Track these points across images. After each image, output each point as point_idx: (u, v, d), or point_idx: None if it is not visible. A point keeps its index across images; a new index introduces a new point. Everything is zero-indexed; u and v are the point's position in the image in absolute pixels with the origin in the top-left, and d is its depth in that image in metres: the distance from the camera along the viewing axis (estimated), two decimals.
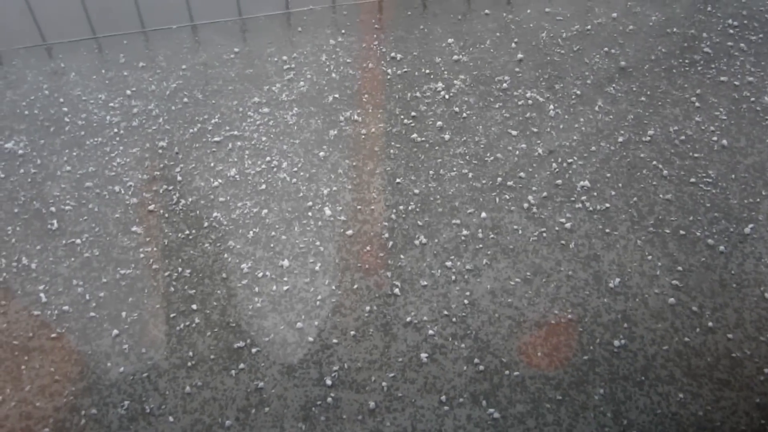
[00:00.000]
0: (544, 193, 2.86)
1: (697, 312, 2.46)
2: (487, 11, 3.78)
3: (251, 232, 2.75)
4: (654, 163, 2.97)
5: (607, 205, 2.82)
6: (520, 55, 3.49)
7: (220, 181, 2.93)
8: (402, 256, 2.66)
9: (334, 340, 2.42)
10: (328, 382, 2.31)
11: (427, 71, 3.42)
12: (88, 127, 3.15)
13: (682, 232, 2.71)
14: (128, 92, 3.31)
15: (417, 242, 2.70)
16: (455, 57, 3.49)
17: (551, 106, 3.22)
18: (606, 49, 3.54)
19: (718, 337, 2.40)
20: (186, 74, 3.41)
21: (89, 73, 3.43)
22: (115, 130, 3.13)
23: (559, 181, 2.90)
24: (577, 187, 2.88)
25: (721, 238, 2.69)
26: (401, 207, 2.83)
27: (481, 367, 2.33)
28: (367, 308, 2.51)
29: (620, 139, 3.07)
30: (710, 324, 2.43)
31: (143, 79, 3.38)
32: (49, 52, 3.56)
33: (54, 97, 3.30)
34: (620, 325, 2.43)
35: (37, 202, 2.87)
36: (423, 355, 2.37)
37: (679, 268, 2.60)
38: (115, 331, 2.46)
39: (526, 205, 2.82)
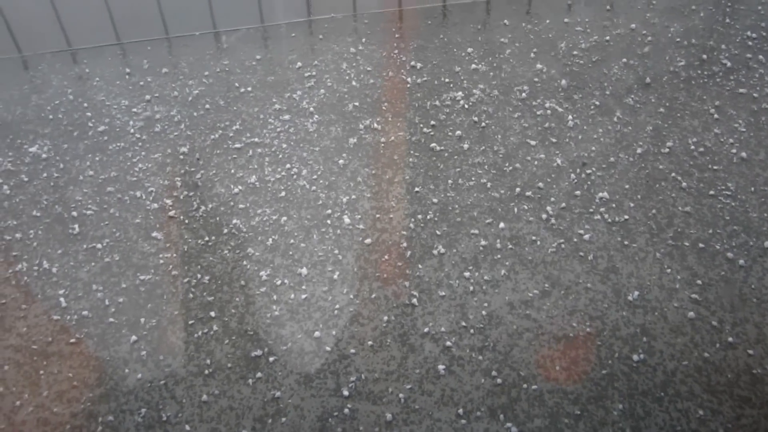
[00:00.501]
0: (563, 204, 2.85)
1: (717, 327, 2.45)
2: (506, 21, 3.78)
3: (270, 240, 2.76)
4: (673, 174, 2.96)
5: (626, 216, 2.81)
6: (539, 65, 3.49)
7: (240, 187, 2.94)
8: (420, 266, 2.66)
9: (352, 350, 2.43)
10: (345, 392, 2.31)
11: (447, 80, 3.42)
12: (111, 132, 3.18)
13: (701, 245, 2.70)
14: (151, 98, 3.34)
15: (435, 252, 2.70)
16: (474, 66, 3.49)
17: (570, 117, 3.21)
18: (625, 60, 3.53)
19: (738, 352, 2.38)
20: (208, 81, 3.44)
21: (113, 78, 3.47)
22: (138, 135, 3.16)
23: (578, 192, 2.89)
24: (595, 198, 2.87)
25: (741, 251, 2.67)
26: (420, 216, 2.83)
27: (499, 380, 2.32)
28: (385, 318, 2.51)
29: (639, 151, 3.06)
30: (730, 339, 2.41)
31: (166, 85, 3.41)
32: (74, 57, 3.60)
33: (78, 101, 3.34)
34: (639, 339, 2.42)
35: (59, 206, 2.90)
36: (440, 367, 2.37)
37: (699, 281, 2.58)
38: (134, 338, 2.48)
39: (544, 215, 2.82)
